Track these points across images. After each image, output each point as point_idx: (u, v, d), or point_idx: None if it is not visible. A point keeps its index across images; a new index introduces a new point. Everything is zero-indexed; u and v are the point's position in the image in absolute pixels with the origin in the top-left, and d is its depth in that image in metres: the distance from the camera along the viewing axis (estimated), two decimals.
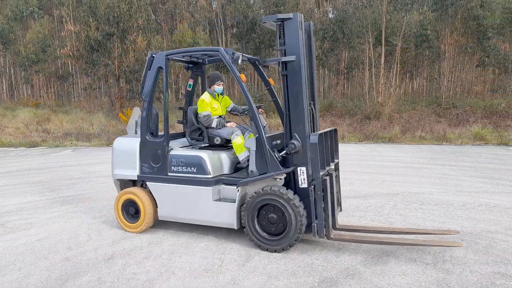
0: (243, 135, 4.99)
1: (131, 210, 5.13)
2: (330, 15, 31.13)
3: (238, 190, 4.50)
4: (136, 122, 5.32)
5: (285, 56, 4.30)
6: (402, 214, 5.76)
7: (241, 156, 4.91)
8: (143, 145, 4.99)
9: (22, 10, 31.77)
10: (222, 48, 4.59)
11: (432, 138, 16.00)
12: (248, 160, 4.81)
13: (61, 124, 21.36)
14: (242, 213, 4.44)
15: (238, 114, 5.47)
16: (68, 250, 4.59)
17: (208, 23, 33.91)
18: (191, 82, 5.91)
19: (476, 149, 13.40)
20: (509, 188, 7.41)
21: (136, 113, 5.38)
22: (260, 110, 5.01)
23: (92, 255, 4.40)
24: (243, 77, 4.46)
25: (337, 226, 4.74)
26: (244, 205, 4.44)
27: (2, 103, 28.81)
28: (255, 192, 4.36)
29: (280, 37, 4.32)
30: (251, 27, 28.68)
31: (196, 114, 5.34)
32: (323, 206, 4.24)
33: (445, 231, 4.67)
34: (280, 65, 4.35)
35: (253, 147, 4.48)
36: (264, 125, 4.90)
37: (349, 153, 12.72)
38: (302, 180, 4.33)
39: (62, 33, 29.49)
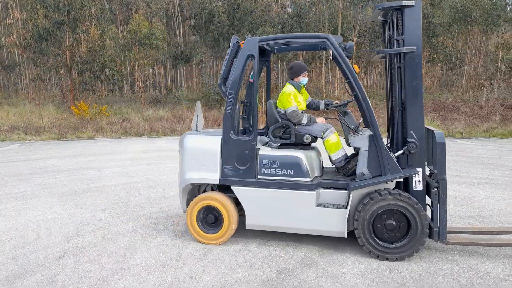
0: (328, 132, 4.50)
1: (209, 219, 4.44)
2: (288, 9, 31.40)
3: (350, 195, 4.05)
4: (197, 118, 4.81)
5: (404, 46, 3.93)
6: None
7: (336, 155, 4.48)
8: (226, 144, 4.30)
9: None
10: (331, 35, 4.11)
11: (386, 131, 16.58)
12: (344, 160, 4.48)
13: (7, 117, 20.15)
14: (357, 219, 3.97)
15: (334, 108, 4.81)
16: (15, 249, 4.35)
17: (165, 13, 33.16)
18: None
19: None
20: (454, 178, 7.84)
21: (198, 108, 4.86)
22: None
23: (41, 254, 4.19)
24: (356, 68, 4.07)
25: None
26: (359, 211, 3.97)
27: None
28: (377, 196, 3.92)
29: (397, 26, 3.96)
30: (209, 19, 28.35)
31: (276, 109, 4.72)
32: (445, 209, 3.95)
33: None
34: (396, 57, 4.03)
35: (365, 147, 4.07)
36: (356, 125, 4.62)
37: None
38: (417, 182, 4.04)
39: (7, 21, 27.73)
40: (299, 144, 4.57)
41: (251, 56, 4.25)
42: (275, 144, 4.58)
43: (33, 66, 26.34)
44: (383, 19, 4.35)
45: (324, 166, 4.85)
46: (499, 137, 15.11)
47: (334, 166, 4.62)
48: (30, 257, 4.12)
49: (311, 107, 5.00)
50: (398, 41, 3.99)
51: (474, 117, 19.09)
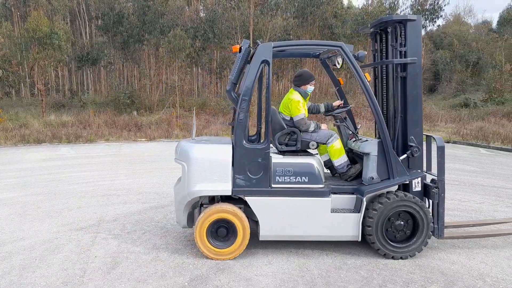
0: (332, 138, 4.56)
1: (221, 233, 4.16)
2: (201, 14, 31.34)
3: (363, 200, 4.12)
4: (194, 125, 4.67)
5: (405, 57, 4.24)
6: None
7: (339, 161, 4.56)
8: (238, 153, 4.09)
9: None
10: (344, 44, 4.18)
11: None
12: (347, 166, 4.56)
13: None
14: (369, 223, 4.09)
15: (333, 114, 4.84)
16: None
17: (69, 12, 31.02)
18: None
19: None
20: None
21: (194, 115, 4.77)
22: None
23: None
24: (368, 76, 4.16)
25: None
26: (372, 214, 4.09)
27: None
28: (383, 201, 4.09)
29: (401, 38, 4.25)
30: (118, 20, 27.12)
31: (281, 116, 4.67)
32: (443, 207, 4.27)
33: None
34: (400, 67, 4.30)
35: (374, 152, 4.23)
36: (356, 131, 4.80)
37: None
38: (416, 183, 4.31)
39: None
40: (300, 151, 4.57)
41: (265, 62, 4.15)
42: (272, 151, 4.50)
43: None
44: (375, 30, 4.63)
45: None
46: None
47: (330, 171, 4.85)
48: None
49: (311, 111, 5.02)
50: (401, 52, 4.29)
51: (374, 121, 20.78)
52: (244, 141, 4.12)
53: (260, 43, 4.20)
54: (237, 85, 4.42)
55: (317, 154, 4.82)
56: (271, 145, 4.48)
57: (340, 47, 4.24)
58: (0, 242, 4.63)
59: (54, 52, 22.20)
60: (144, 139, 16.01)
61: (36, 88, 24.93)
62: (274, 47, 4.20)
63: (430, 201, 4.36)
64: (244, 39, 4.52)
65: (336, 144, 4.57)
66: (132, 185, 7.70)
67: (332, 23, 26.15)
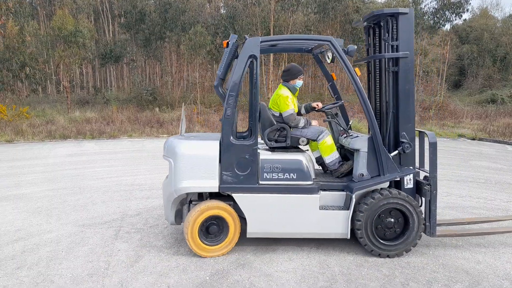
0: (323, 135, 4.48)
1: (212, 230, 4.14)
2: (222, 11, 31.42)
3: (353, 196, 4.07)
4: (182, 121, 4.55)
5: (397, 51, 4.16)
6: None
7: (330, 158, 4.49)
8: (226, 149, 4.04)
9: None
10: (333, 38, 4.09)
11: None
12: (338, 163, 4.49)
13: None
14: (359, 219, 4.03)
15: (328, 110, 4.70)
16: None
17: (93, 10, 31.62)
18: None
19: None
20: None
21: (183, 111, 4.59)
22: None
23: None
24: (358, 71, 4.09)
25: None
26: (362, 211, 4.03)
27: None
28: (379, 195, 4.03)
29: (392, 32, 4.15)
30: (140, 18, 27.49)
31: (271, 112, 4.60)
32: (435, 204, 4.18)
33: (510, 216, 4.96)
34: (392, 61, 4.22)
35: (365, 148, 4.16)
36: (347, 127, 4.68)
37: None
38: (408, 180, 4.23)
39: None
40: (290, 147, 4.52)
41: (252, 57, 4.08)
42: (262, 147, 4.48)
43: None
44: (368, 24, 4.53)
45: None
46: (417, 136, 16.36)
47: (322, 168, 4.76)
48: None
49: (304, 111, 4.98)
50: (392, 46, 4.20)
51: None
52: (232, 137, 4.08)
53: (247, 37, 4.13)
54: (225, 81, 4.34)
55: (308, 150, 4.74)
56: (261, 141, 4.48)
57: (330, 41, 4.15)
58: (28, 234, 4.78)
59: (78, 50, 22.71)
60: (166, 135, 16.19)
61: (61, 85, 25.55)
62: (262, 41, 4.15)
63: (423, 198, 4.25)
64: (232, 34, 4.45)
65: (327, 141, 4.49)
66: (154, 180, 7.82)
67: (354, 18, 25.78)
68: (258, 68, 4.14)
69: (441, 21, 26.49)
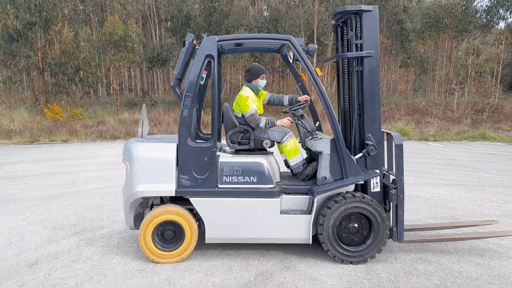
0: (286, 137, 4.38)
1: (167, 235, 4.06)
2: (265, 13, 31.54)
3: (314, 200, 3.96)
4: (143, 122, 4.42)
5: (361, 50, 4.00)
6: None
7: (294, 160, 4.37)
8: (183, 151, 3.95)
9: None
10: (293, 37, 3.99)
11: None
12: (302, 166, 4.39)
13: None
14: (321, 223, 3.92)
15: (290, 111, 4.58)
16: None
17: (141, 16, 32.79)
18: (204, 74, 4.56)
19: None
20: (429, 180, 8.04)
21: (143, 112, 4.46)
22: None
23: (13, 261, 4.06)
24: (318, 71, 3.99)
25: None
26: (324, 215, 3.91)
27: None
28: (336, 201, 3.90)
29: (356, 30, 4.01)
30: (186, 22, 28.19)
31: (232, 113, 4.51)
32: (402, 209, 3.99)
33: (485, 221, 4.77)
34: (355, 61, 4.06)
35: (327, 151, 4.04)
36: (313, 129, 4.57)
37: None
38: (375, 184, 4.09)
39: None
40: (255, 150, 4.39)
41: (209, 56, 3.99)
42: (228, 150, 4.39)
43: (3, 67, 25.50)
44: (336, 23, 4.37)
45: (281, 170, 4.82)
46: (469, 140, 15.58)
47: (290, 171, 4.55)
48: (1, 265, 3.98)
49: (273, 103, 4.83)
50: (356, 45, 4.04)
51: (446, 120, 19.64)
52: (189, 139, 3.97)
53: (205, 36, 4.03)
54: (182, 81, 4.24)
55: (272, 152, 4.54)
56: (224, 143, 4.29)
57: (289, 40, 4.01)
58: (83, 229, 5.03)
59: (127, 54, 23.64)
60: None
61: (111, 87, 26.69)
62: (219, 40, 4.03)
63: (391, 203, 4.03)
64: (189, 33, 4.34)
65: (291, 143, 4.36)
66: None
67: (402, 18, 25.02)
68: (216, 68, 4.06)
69: (494, 19, 25.13)
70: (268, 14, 30.40)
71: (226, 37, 4.08)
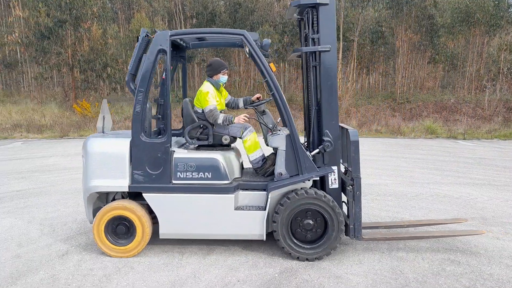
0: (246, 132, 4.37)
1: (120, 230, 4.08)
2: None
3: (269, 196, 3.97)
4: (104, 118, 4.43)
5: (319, 45, 3.93)
6: None
7: (253, 156, 4.35)
8: (136, 147, 3.96)
9: None
10: (247, 32, 3.95)
11: (387, 131, 16.59)
12: (262, 161, 4.38)
13: (10, 115, 20.17)
14: (274, 220, 3.92)
15: (252, 108, 4.61)
16: (19, 247, 4.36)
17: (167, 12, 33.16)
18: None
19: (428, 142, 14.04)
20: (457, 179, 7.83)
21: (104, 107, 4.46)
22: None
23: (45, 252, 4.20)
24: (272, 66, 3.97)
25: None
26: (277, 211, 3.91)
27: None
28: (295, 195, 3.90)
29: (312, 25, 3.93)
30: (211, 18, 28.34)
31: (193, 108, 4.48)
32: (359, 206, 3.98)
33: (454, 219, 4.76)
34: (311, 56, 4.00)
35: (283, 147, 4.02)
36: (274, 125, 4.51)
37: None
38: (333, 180, 4.06)
39: (9, 19, 27.76)
40: (218, 145, 4.39)
41: (162, 51, 3.97)
42: (192, 146, 4.39)
43: (35, 64, 26.38)
44: (299, 17, 4.27)
45: (245, 167, 4.83)
46: (501, 139, 15.09)
47: (252, 166, 4.53)
48: (33, 255, 4.13)
49: (230, 106, 4.83)
50: (313, 39, 3.97)
51: (476, 118, 19.07)
52: (142, 135, 3.96)
53: (158, 31, 3.99)
54: (136, 76, 4.20)
55: (233, 148, 4.56)
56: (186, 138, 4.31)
57: (243, 35, 3.95)
58: None
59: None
60: None
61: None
62: (171, 35, 3.99)
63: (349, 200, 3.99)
64: (142, 28, 4.30)
65: (251, 138, 4.31)
66: None
67: (431, 12, 24.35)
68: (169, 63, 4.01)
69: None
70: None
71: (179, 32, 4.08)
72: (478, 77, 24.45)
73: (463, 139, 15.18)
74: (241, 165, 4.60)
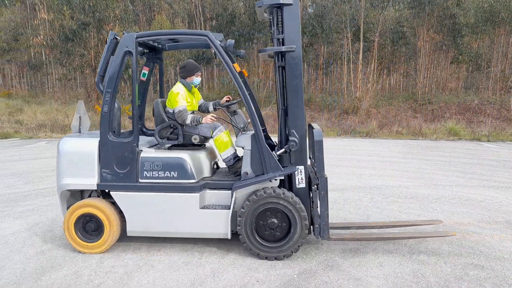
0: (216, 131, 4.43)
1: (89, 227, 4.18)
2: (309, 10, 31.23)
3: (233, 195, 4.04)
4: (80, 118, 4.56)
5: (283, 45, 3.94)
6: (379, 207, 5.87)
7: (225, 154, 4.44)
8: (104, 146, 4.08)
9: None
10: (211, 33, 4.01)
11: (408, 133, 16.33)
12: (233, 159, 4.46)
13: (35, 115, 20.74)
14: (239, 220, 3.98)
15: (221, 108, 4.72)
16: (44, 243, 4.48)
17: (187, 14, 33.48)
18: (145, 70, 4.94)
19: (450, 144, 13.76)
20: (481, 182, 7.65)
21: (80, 107, 4.60)
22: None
23: (68, 249, 4.30)
24: (237, 66, 4.05)
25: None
26: (241, 211, 3.95)
27: None
28: (254, 196, 3.93)
29: (277, 25, 3.94)
30: (231, 20, 28.48)
31: (165, 109, 4.58)
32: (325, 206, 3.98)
33: (428, 221, 4.72)
34: (276, 56, 4.01)
35: (248, 146, 4.06)
36: (246, 124, 4.58)
37: (327, 147, 12.82)
38: (300, 179, 4.06)
39: (34, 22, 28.53)
40: (190, 145, 4.46)
41: (128, 53, 4.06)
42: (166, 146, 4.44)
43: (59, 66, 27.03)
44: (270, 18, 4.24)
45: (221, 166, 4.88)
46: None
47: (225, 165, 4.59)
48: (57, 252, 4.24)
49: (201, 109, 4.90)
50: (278, 39, 3.96)
51: (501, 120, 18.58)
52: (110, 134, 4.06)
53: (125, 33, 4.06)
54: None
55: (204, 147, 4.66)
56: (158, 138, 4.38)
57: (207, 36, 3.99)
58: None
59: (174, 52, 24.26)
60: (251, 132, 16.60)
61: (158, 84, 27.51)
62: (137, 37, 4.06)
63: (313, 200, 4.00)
64: (111, 31, 4.37)
65: (222, 137, 4.37)
66: None
67: (455, 12, 23.85)
68: (135, 64, 4.07)
69: None
70: (312, 10, 30.08)
71: (144, 34, 4.15)
72: (503, 78, 23.82)
73: (488, 141, 14.81)
74: (214, 164, 4.70)
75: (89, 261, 3.99)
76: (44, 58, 30.59)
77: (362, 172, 8.62)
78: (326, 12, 26.00)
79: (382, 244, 4.36)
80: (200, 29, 33.90)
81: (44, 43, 24.43)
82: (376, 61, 24.24)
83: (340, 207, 5.88)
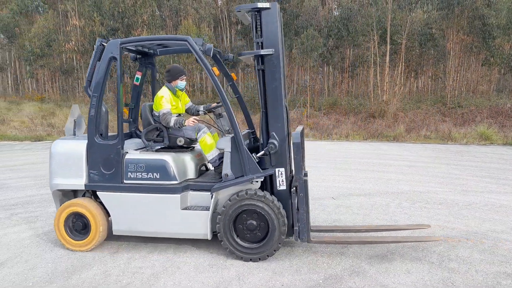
0: (201, 133, 4.53)
1: (77, 225, 4.37)
2: (335, 13, 31.01)
3: (212, 196, 4.10)
4: (75, 122, 4.75)
5: (262, 49, 4.00)
6: (407, 213, 5.75)
7: (211, 155, 4.53)
8: (91, 148, 4.27)
9: (27, 4, 31.79)
10: (191, 38, 4.08)
11: (437, 137, 15.93)
12: (218, 160, 4.51)
13: (66, 119, 21.39)
14: (218, 221, 4.04)
15: (205, 111, 4.89)
16: None
17: (213, 19, 33.87)
18: (138, 75, 5.11)
19: (482, 149, 13.33)
20: None
21: (74, 111, 4.79)
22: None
23: (97, 249, 4.41)
24: (216, 70, 4.11)
25: (310, 228, 4.42)
26: (220, 212, 4.04)
27: (8, 97, 28.91)
28: (233, 198, 4.00)
29: (256, 29, 4.01)
30: None
31: (151, 112, 4.71)
32: (305, 208, 3.97)
33: (417, 225, 4.67)
34: (256, 59, 4.06)
35: (228, 148, 4.12)
36: (228, 128, 4.67)
37: (353, 151, 12.69)
38: (281, 182, 4.08)
39: (67, 28, 29.53)
40: (178, 147, 4.56)
41: (113, 59, 4.23)
42: (154, 148, 4.54)
43: None
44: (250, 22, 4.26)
45: (210, 168, 4.98)
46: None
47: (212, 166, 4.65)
48: (87, 252, 4.35)
49: (191, 112, 4.98)
50: (258, 43, 4.01)
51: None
52: (97, 137, 4.23)
53: (110, 39, 4.22)
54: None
55: (191, 149, 4.76)
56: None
57: (186, 41, 4.06)
58: None
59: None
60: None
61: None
62: (121, 43, 4.21)
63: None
64: (98, 38, 4.49)
65: (206, 139, 4.47)
66: None
67: (485, 13, 23.17)
68: (119, 69, 4.24)
69: None
70: (338, 13, 29.87)
71: (129, 40, 4.30)
72: None
73: None
74: (201, 166, 4.77)
75: (117, 261, 4.08)
76: (75, 63, 31.57)
77: (389, 177, 8.47)
78: (352, 15, 25.77)
79: (410, 251, 4.27)
80: (225, 33, 34.27)
81: (76, 48, 25.23)
82: (403, 63, 23.80)
83: (367, 212, 5.79)
